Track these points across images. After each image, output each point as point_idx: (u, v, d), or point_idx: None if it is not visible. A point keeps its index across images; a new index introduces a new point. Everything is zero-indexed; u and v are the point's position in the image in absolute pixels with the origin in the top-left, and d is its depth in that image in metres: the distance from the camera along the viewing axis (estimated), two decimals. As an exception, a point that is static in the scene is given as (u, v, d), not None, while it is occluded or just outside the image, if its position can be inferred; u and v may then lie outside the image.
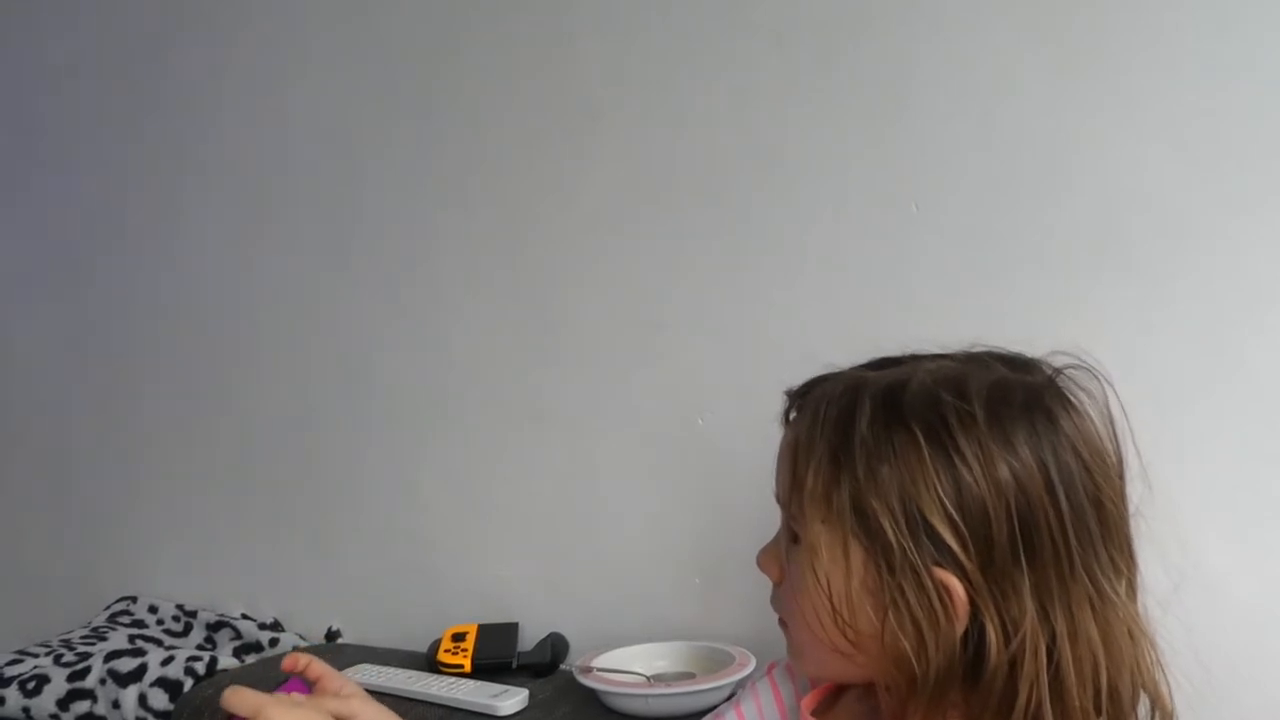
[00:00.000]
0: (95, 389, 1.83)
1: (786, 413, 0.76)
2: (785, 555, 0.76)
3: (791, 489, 0.72)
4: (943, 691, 0.67)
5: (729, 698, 1.02)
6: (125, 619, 1.65)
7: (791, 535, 0.74)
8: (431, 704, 1.21)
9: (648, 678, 1.17)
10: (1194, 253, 1.03)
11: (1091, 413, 0.71)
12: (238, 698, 0.79)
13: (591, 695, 1.18)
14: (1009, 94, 1.10)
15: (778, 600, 0.78)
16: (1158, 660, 0.70)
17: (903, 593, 0.67)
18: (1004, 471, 0.66)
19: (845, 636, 0.70)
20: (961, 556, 0.65)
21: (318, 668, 0.89)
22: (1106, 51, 1.05)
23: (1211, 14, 1.01)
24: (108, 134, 1.79)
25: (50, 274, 1.88)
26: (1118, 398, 0.72)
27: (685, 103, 1.28)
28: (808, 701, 0.80)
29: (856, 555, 0.69)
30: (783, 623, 0.78)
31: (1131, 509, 0.72)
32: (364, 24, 1.52)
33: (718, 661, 1.17)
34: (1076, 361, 0.73)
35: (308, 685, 0.90)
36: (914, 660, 0.67)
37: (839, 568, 0.69)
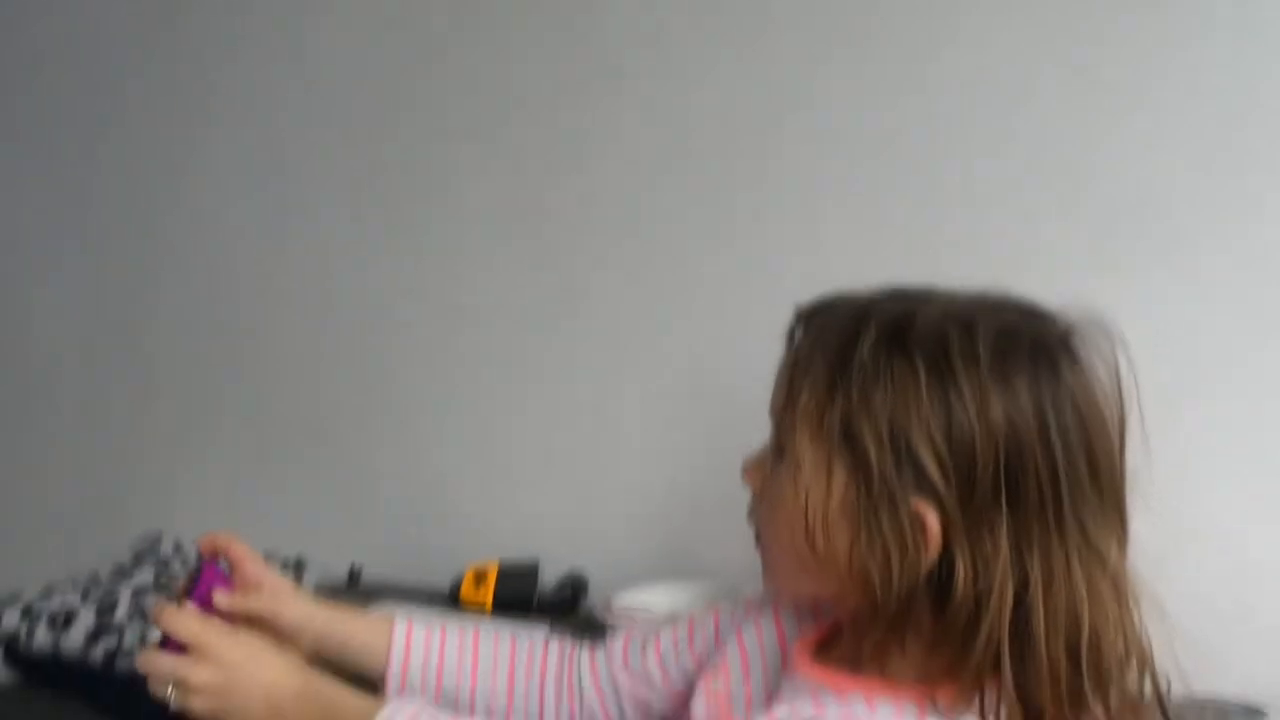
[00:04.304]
0: (119, 332, 1.84)
1: (792, 330, 0.76)
2: (769, 468, 0.76)
3: (785, 404, 0.73)
4: (903, 618, 0.68)
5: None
6: (150, 558, 1.67)
7: (778, 449, 0.75)
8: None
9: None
10: (1224, 214, 1.04)
11: (1099, 369, 0.71)
12: (176, 623, 0.80)
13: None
14: (1044, 51, 1.10)
15: (755, 513, 0.79)
16: (1141, 618, 0.69)
17: (877, 516, 0.68)
18: (998, 414, 0.66)
19: (814, 550, 0.71)
20: (942, 490, 0.66)
21: (238, 550, 0.90)
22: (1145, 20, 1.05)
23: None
24: (126, 75, 1.78)
25: (72, 219, 1.88)
26: (1128, 357, 0.72)
27: (708, 63, 1.28)
28: (805, 643, 0.80)
29: (839, 475, 0.69)
30: (759, 541, 0.79)
31: (1129, 470, 0.71)
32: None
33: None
34: (1091, 317, 0.72)
35: (226, 572, 0.89)
36: (878, 584, 0.68)
37: (820, 485, 0.70)
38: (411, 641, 0.92)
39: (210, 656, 0.79)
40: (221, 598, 0.88)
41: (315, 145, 1.60)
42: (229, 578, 0.91)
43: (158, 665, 0.80)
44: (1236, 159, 1.04)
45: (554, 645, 0.96)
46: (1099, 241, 1.09)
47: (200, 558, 0.90)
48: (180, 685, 0.79)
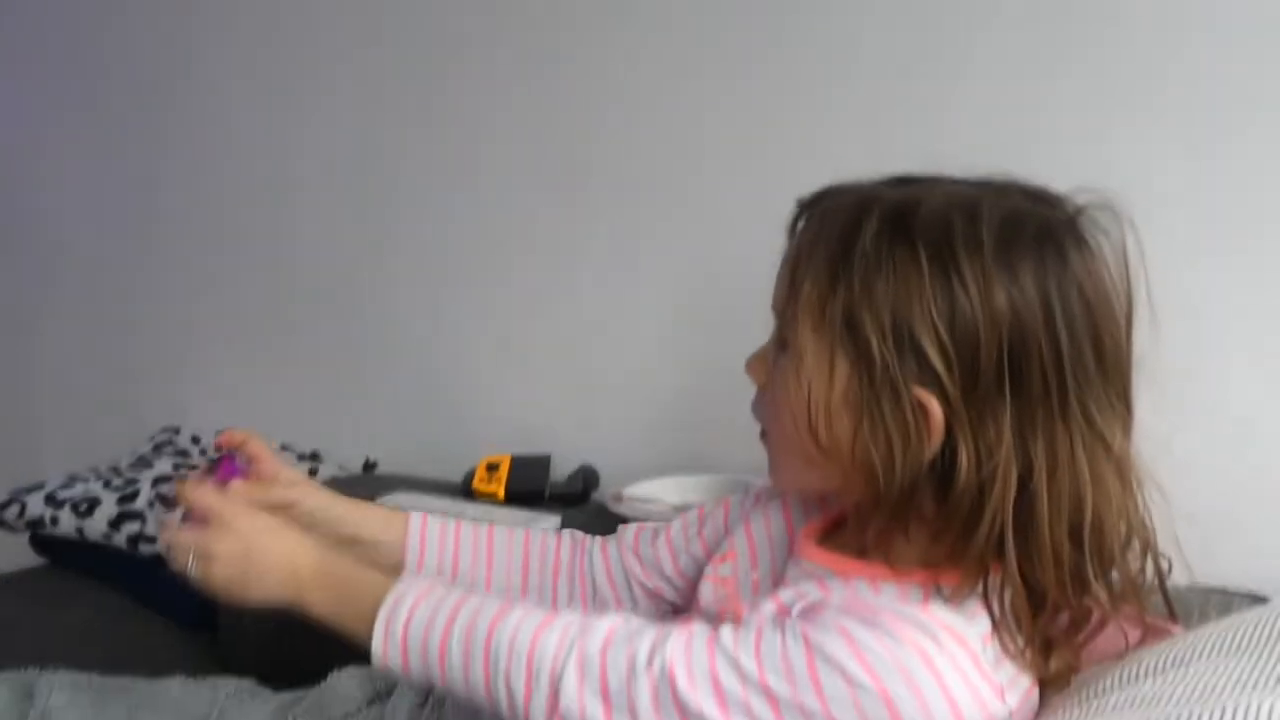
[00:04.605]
0: (140, 227, 1.84)
1: (795, 221, 0.75)
2: (772, 361, 0.76)
3: (788, 296, 0.72)
4: (906, 506, 0.68)
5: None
6: (169, 449, 1.70)
7: (781, 342, 0.75)
8: (466, 528, 1.24)
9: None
10: (1236, 84, 1.01)
11: (1107, 254, 0.70)
12: (198, 494, 0.82)
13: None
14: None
15: (759, 407, 0.79)
16: (1144, 501, 0.69)
17: (879, 406, 0.67)
18: (1002, 300, 0.65)
19: (817, 443, 0.71)
20: (945, 378, 0.66)
21: (255, 445, 0.91)
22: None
23: None
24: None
25: (79, 116, 1.87)
26: (1137, 240, 0.70)
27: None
28: (811, 530, 0.81)
29: (841, 366, 0.69)
30: (764, 435, 0.79)
31: (1135, 355, 0.71)
32: None
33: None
34: (1100, 201, 0.71)
35: (244, 465, 0.91)
36: (880, 474, 0.68)
37: (822, 376, 0.70)
38: (426, 537, 0.93)
39: (231, 527, 0.80)
40: (239, 487, 0.89)
41: (322, 40, 1.58)
42: (246, 471, 0.91)
43: (179, 537, 0.82)
44: (1249, 24, 1.00)
45: (566, 538, 0.97)
46: (1107, 115, 1.06)
47: (219, 450, 0.91)
48: (201, 556, 0.81)
